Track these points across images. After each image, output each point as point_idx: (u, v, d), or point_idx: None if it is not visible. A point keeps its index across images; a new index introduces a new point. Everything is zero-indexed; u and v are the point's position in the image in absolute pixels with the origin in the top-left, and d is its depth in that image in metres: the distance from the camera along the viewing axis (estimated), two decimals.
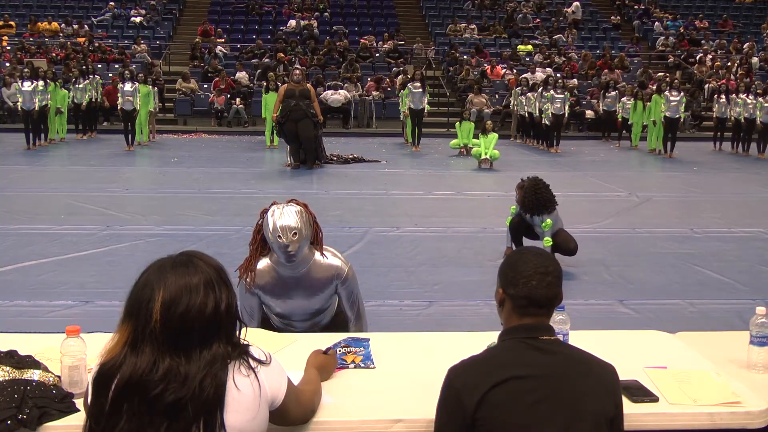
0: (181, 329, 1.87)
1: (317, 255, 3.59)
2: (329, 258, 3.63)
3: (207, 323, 1.90)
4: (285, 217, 3.43)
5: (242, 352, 1.98)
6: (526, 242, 7.43)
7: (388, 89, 22.60)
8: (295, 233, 3.39)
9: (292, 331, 3.58)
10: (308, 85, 14.65)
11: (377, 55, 25.24)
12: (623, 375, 2.27)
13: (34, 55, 22.76)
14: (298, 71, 14.68)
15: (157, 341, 1.86)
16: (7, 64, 21.74)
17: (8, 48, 23.62)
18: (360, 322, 3.84)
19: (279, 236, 3.39)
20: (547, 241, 7.18)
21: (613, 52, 25.84)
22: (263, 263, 3.57)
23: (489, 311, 5.22)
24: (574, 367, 2.12)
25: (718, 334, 3.46)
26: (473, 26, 27.30)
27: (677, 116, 17.52)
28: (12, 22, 25.66)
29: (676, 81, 19.10)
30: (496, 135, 15.36)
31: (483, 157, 14.75)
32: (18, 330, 4.76)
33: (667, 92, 17.62)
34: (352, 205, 10.56)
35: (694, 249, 8.28)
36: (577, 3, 28.92)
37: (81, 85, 18.61)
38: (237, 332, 2.00)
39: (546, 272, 2.18)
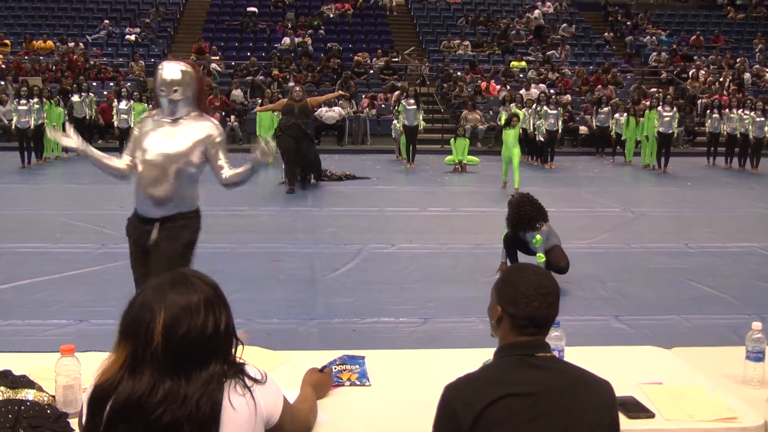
0: (182, 351, 1.87)
1: (196, 113, 4.36)
2: (206, 117, 4.41)
3: (207, 344, 1.90)
4: (169, 70, 4.24)
5: (238, 371, 1.97)
6: (521, 257, 7.43)
7: (382, 105, 22.66)
8: (176, 89, 4.23)
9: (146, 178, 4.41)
10: (308, 100, 14.08)
11: (371, 72, 25.31)
12: (619, 391, 2.27)
13: (29, 73, 22.79)
14: (298, 88, 14.19)
15: (158, 363, 1.86)
16: (2, 83, 21.75)
17: (3, 66, 23.64)
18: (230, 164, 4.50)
19: (162, 89, 4.23)
20: (539, 257, 7.17)
21: (604, 66, 25.94)
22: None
23: (484, 328, 5.22)
24: (570, 384, 2.12)
25: (713, 350, 3.46)
26: (467, 43, 27.40)
27: (670, 131, 17.57)
28: (7, 41, 25.70)
29: (668, 96, 19.18)
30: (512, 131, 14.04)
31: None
32: (12, 349, 4.75)
33: (659, 107, 17.70)
34: (347, 222, 10.57)
35: (688, 264, 8.30)
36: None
37: (77, 99, 18.66)
38: (233, 351, 2.00)
39: (547, 293, 2.19)
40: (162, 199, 4.40)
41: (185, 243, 4.50)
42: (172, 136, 4.35)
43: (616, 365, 2.86)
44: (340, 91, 19.23)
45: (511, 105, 17.82)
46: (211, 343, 1.90)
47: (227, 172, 4.46)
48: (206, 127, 4.40)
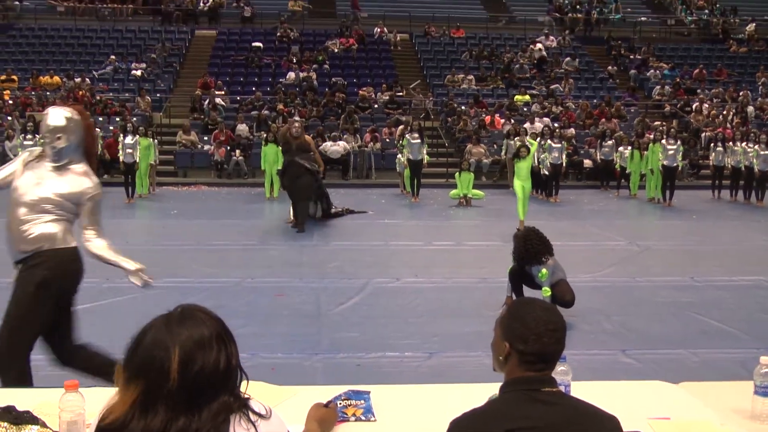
0: (197, 387, 1.85)
1: (81, 165, 4.29)
2: (89, 174, 4.32)
3: (219, 379, 1.89)
4: (53, 117, 4.21)
5: (242, 405, 1.96)
6: (527, 291, 7.42)
7: (387, 140, 22.76)
8: (59, 136, 4.19)
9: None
10: (307, 138, 13.87)
11: (376, 106, 25.45)
12: (626, 426, 2.25)
13: (35, 108, 22.96)
14: (297, 124, 13.79)
15: (172, 400, 1.84)
16: (9, 118, 21.91)
17: (10, 102, 23.84)
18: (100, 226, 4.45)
19: (46, 136, 4.21)
20: (545, 291, 7.16)
21: (608, 100, 26.05)
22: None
23: (490, 362, 5.20)
24: (576, 419, 2.10)
25: (721, 384, 3.44)
26: (471, 77, 27.56)
27: (674, 165, 17.62)
28: (14, 76, 25.94)
29: (672, 129, 19.25)
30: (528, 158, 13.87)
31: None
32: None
33: (663, 141, 17.76)
34: (352, 256, 10.56)
35: (694, 297, 8.27)
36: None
37: None
38: (239, 384, 1.99)
39: (555, 328, 2.18)
40: (23, 241, 4.25)
41: (37, 282, 4.23)
42: (42, 184, 4.24)
43: (624, 400, 2.84)
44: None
45: (526, 137, 17.61)
46: (224, 377, 1.90)
47: (96, 245, 4.50)
48: (83, 185, 4.30)
